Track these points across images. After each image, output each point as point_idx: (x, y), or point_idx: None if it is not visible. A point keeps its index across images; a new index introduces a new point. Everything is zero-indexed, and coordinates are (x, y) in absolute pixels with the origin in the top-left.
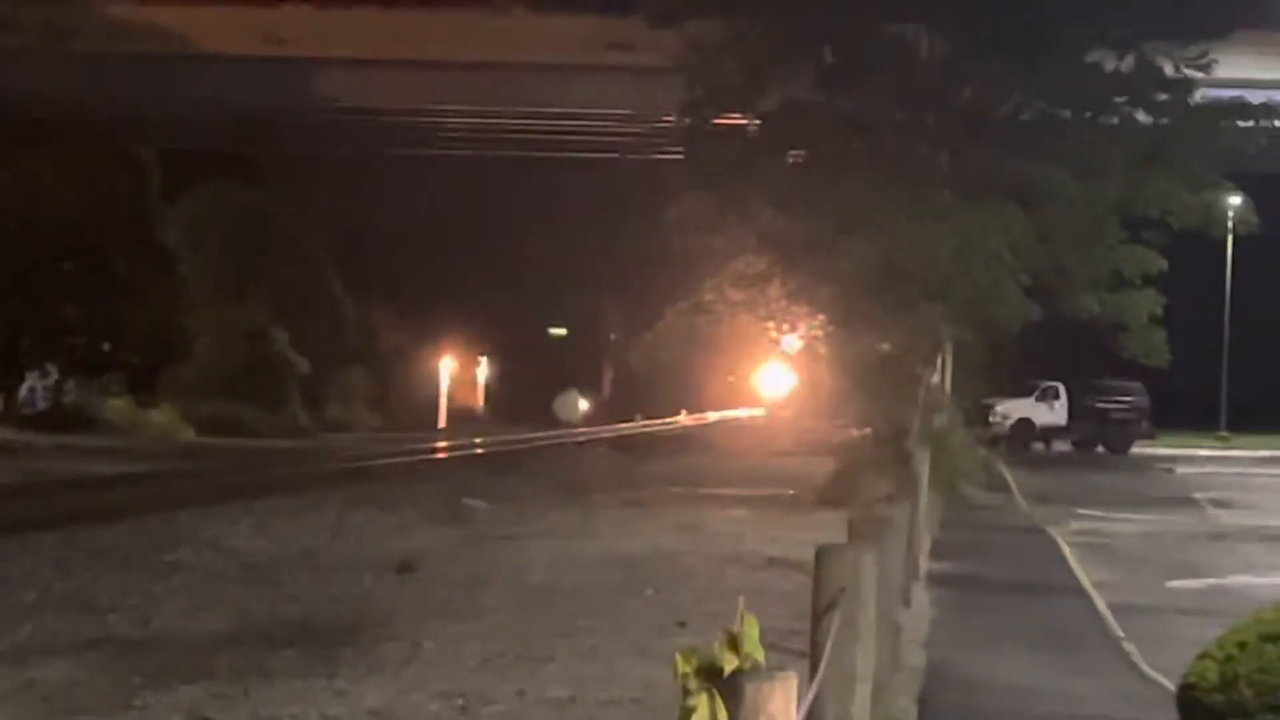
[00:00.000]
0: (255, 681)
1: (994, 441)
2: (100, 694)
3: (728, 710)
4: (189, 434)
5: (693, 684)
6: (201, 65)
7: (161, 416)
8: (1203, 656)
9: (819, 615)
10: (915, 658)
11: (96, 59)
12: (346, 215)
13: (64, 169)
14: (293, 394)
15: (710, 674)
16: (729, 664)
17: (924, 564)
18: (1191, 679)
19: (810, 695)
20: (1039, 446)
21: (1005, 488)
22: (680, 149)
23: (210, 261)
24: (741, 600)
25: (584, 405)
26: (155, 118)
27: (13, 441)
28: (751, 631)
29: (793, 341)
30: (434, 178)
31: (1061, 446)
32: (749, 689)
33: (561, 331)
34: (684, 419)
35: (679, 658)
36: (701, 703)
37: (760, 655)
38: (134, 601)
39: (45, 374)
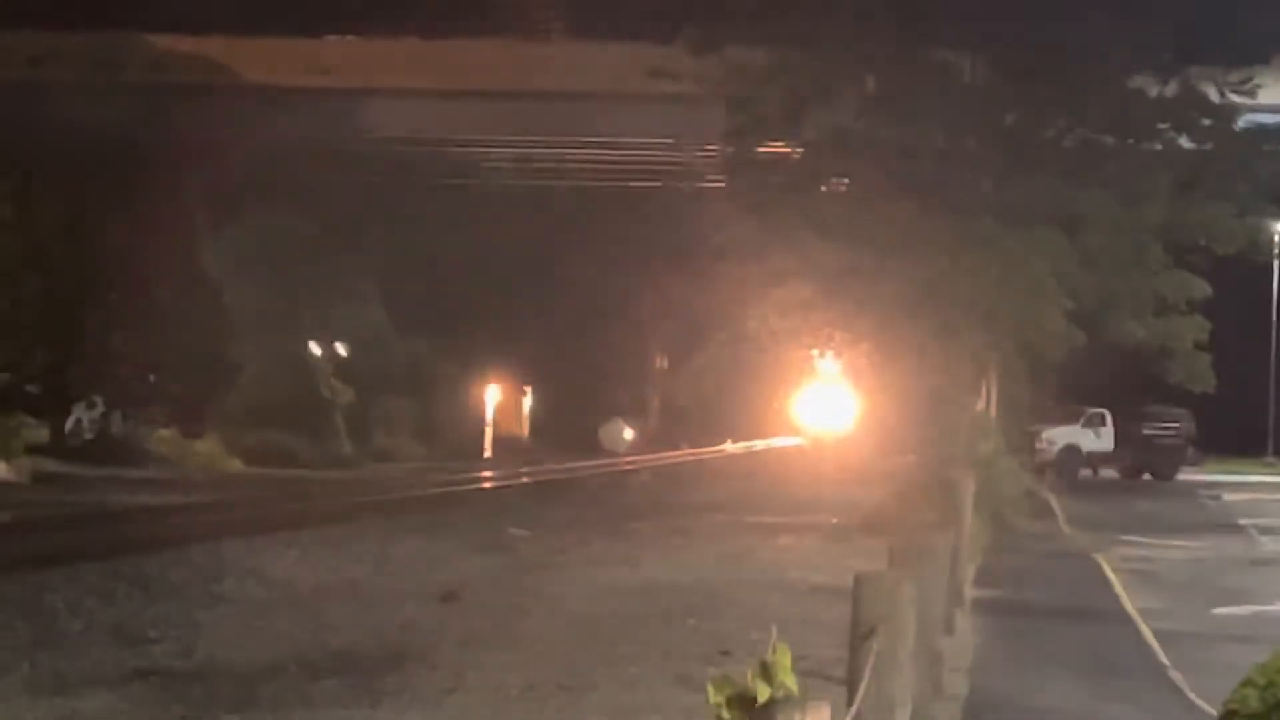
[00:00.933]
0: (298, 712)
1: (1040, 468)
2: None
3: None
4: (234, 464)
5: (726, 714)
6: (246, 96)
7: (207, 447)
8: (1245, 684)
9: (858, 643)
10: (958, 685)
11: (142, 90)
12: (390, 245)
13: (110, 199)
14: (338, 424)
15: (744, 703)
16: (762, 694)
17: (968, 591)
18: (1233, 705)
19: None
20: (1085, 473)
21: (1050, 514)
22: (723, 177)
23: (255, 292)
24: (775, 630)
25: (629, 434)
26: (200, 148)
27: (59, 473)
28: (784, 660)
29: (837, 370)
30: (477, 207)
31: (1108, 473)
32: (781, 718)
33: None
34: (729, 447)
35: (711, 687)
36: None
37: (793, 684)
38: (178, 632)
39: (91, 405)
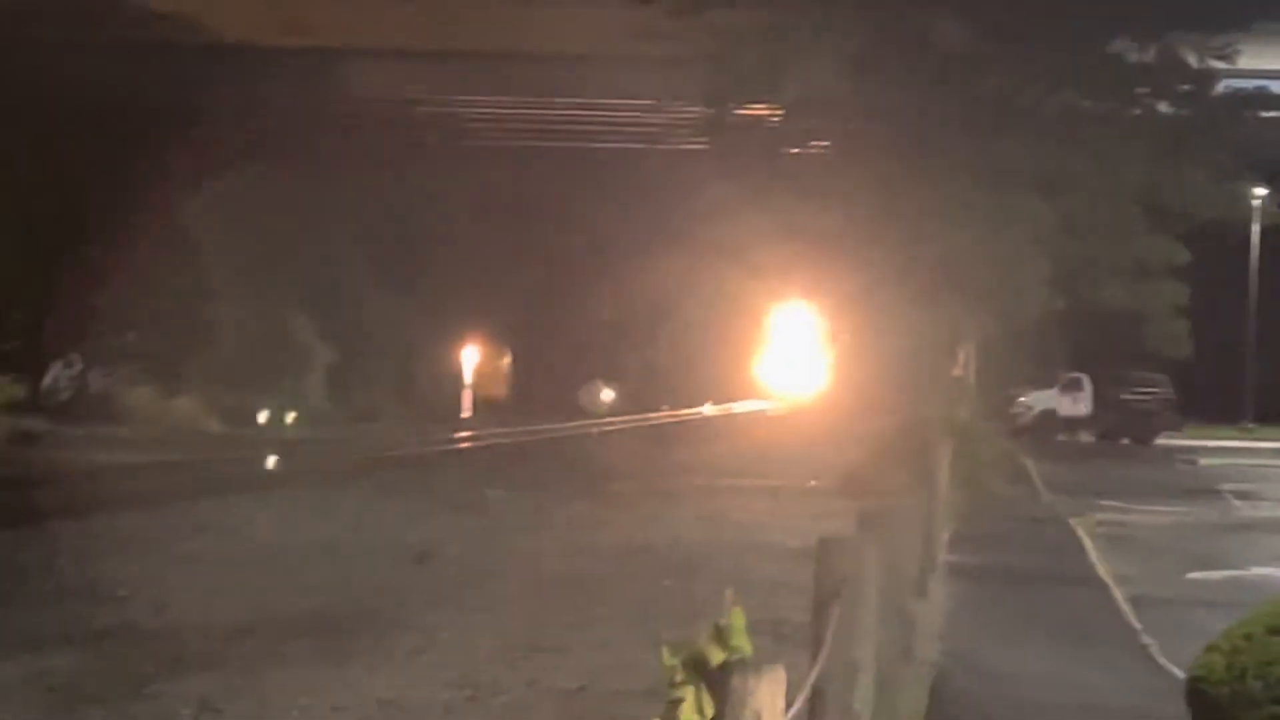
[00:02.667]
0: (267, 671)
1: (1017, 433)
2: (110, 684)
3: (715, 703)
4: (213, 423)
5: (680, 676)
6: (227, 55)
7: (184, 406)
8: (1210, 649)
9: (820, 606)
10: (929, 650)
11: (123, 48)
12: (371, 206)
13: (88, 157)
14: (317, 384)
15: (698, 666)
16: (715, 657)
17: (942, 556)
18: (1199, 672)
19: (808, 686)
20: (1062, 438)
21: (1027, 479)
22: (704, 139)
23: (234, 251)
24: (730, 592)
25: (609, 395)
26: (179, 107)
27: (36, 430)
28: (738, 623)
29: (813, 333)
30: (459, 168)
31: (1085, 438)
32: (735, 681)
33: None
34: (708, 409)
35: (665, 650)
36: (689, 696)
37: (748, 647)
38: (150, 591)
39: (69, 363)
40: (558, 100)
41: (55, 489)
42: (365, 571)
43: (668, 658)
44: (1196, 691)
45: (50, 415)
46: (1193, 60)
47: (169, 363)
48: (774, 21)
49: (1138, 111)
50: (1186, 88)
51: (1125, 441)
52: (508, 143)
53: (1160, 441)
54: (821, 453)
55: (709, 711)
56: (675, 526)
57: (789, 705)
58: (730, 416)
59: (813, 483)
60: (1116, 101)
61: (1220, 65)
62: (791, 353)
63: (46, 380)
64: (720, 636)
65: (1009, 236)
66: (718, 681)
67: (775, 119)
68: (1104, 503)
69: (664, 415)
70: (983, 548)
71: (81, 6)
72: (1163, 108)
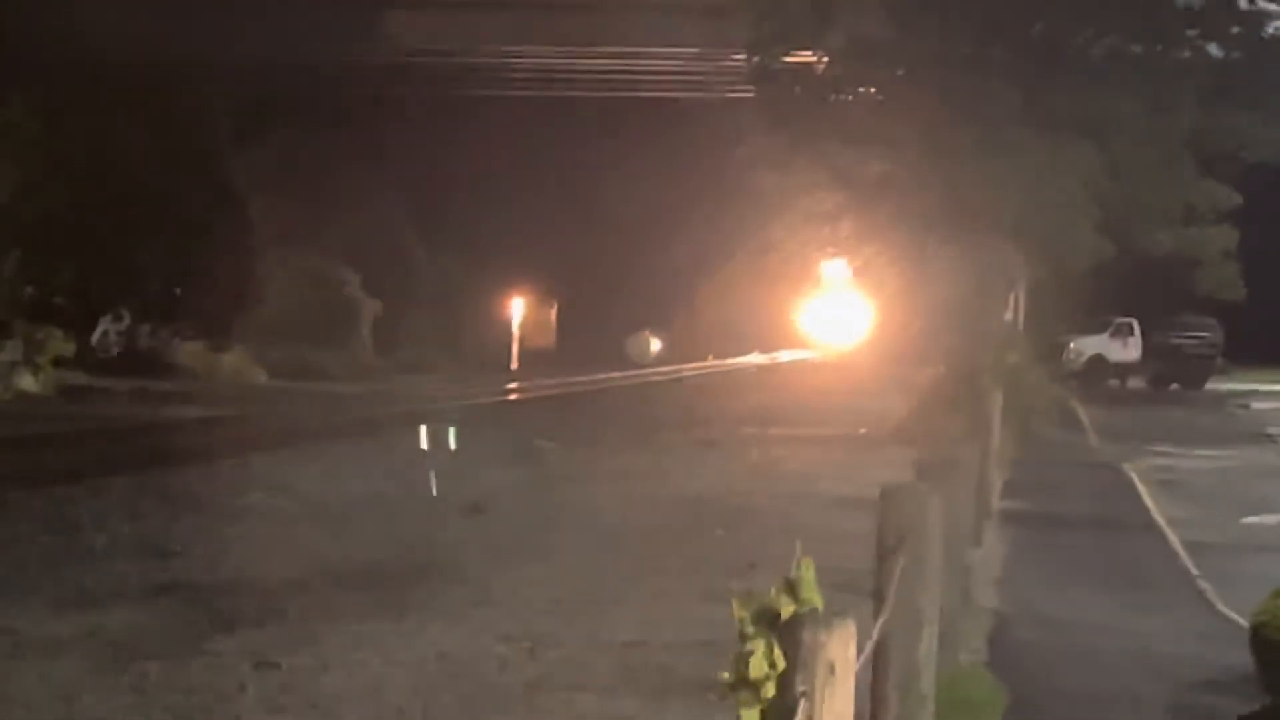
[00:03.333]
0: (323, 625)
1: (1068, 379)
2: (166, 640)
3: (786, 656)
4: (262, 377)
5: (750, 629)
6: (270, 9)
7: (233, 360)
8: (1276, 594)
9: (884, 557)
10: (987, 597)
11: (164, 2)
12: (416, 158)
13: (133, 113)
14: (365, 337)
15: (768, 619)
16: (786, 609)
17: (996, 502)
18: (1264, 617)
19: (874, 638)
20: (1113, 383)
21: (1079, 425)
22: (750, 87)
23: (281, 205)
24: (799, 544)
25: (657, 345)
26: (224, 61)
27: (86, 386)
28: (809, 575)
29: (864, 281)
30: (502, 120)
31: (1136, 383)
32: (806, 634)
33: None
34: (754, 358)
35: (735, 603)
36: (759, 649)
37: (818, 600)
38: (204, 546)
39: (118, 318)
40: (601, 50)
41: (105, 444)
42: (418, 524)
43: (738, 610)
44: (1261, 637)
45: (99, 370)
46: (1242, 1)
47: (217, 317)
48: None
49: (1187, 54)
50: (1236, 29)
51: (1175, 386)
52: (551, 93)
53: (1211, 386)
54: (870, 401)
55: (780, 664)
56: (726, 476)
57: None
58: (777, 366)
59: (863, 431)
60: (1165, 44)
61: (1271, 6)
62: (837, 302)
63: (95, 336)
64: (790, 588)
65: (1058, 182)
66: (788, 634)
67: (822, 66)
68: (1156, 448)
69: (711, 365)
70: (1036, 494)
71: None
72: (1212, 50)
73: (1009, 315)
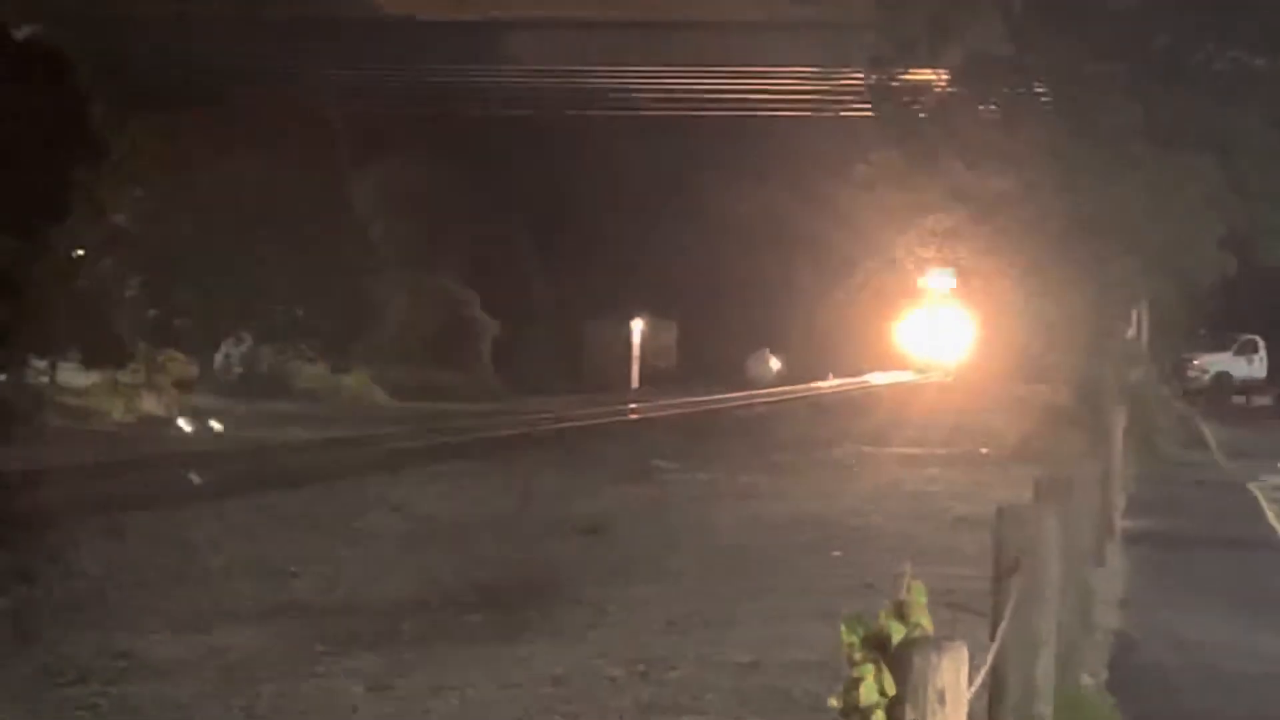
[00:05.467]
0: (438, 647)
1: (1191, 396)
2: (281, 661)
3: (896, 682)
4: (382, 398)
5: (858, 654)
6: (387, 30)
7: (355, 381)
8: None
9: (1000, 578)
10: (1109, 618)
11: (284, 24)
12: (536, 179)
13: (254, 135)
14: (485, 357)
15: (877, 644)
16: (895, 633)
17: (1119, 521)
18: None
19: (988, 663)
20: (1238, 400)
21: (1203, 443)
22: (868, 105)
23: (401, 226)
24: (909, 567)
25: (776, 364)
26: (342, 82)
27: (208, 408)
28: (919, 599)
29: (981, 298)
30: (621, 140)
31: (1261, 401)
32: (916, 660)
33: None
34: (876, 378)
35: (843, 627)
36: (868, 675)
37: (928, 623)
38: (320, 567)
39: (240, 340)
40: (719, 69)
41: (225, 466)
42: (535, 545)
43: (846, 635)
44: None
45: (221, 392)
46: None
47: (337, 339)
48: None
49: None
50: None
51: None
52: (669, 113)
53: None
54: (989, 419)
55: (890, 690)
56: (845, 496)
57: (970, 681)
58: (896, 385)
59: (983, 450)
60: None
61: None
62: (951, 320)
63: (218, 358)
64: (900, 612)
65: (1180, 196)
66: (899, 660)
67: (940, 84)
68: None
69: (830, 384)
70: (1160, 513)
71: None
72: None
73: (1131, 332)
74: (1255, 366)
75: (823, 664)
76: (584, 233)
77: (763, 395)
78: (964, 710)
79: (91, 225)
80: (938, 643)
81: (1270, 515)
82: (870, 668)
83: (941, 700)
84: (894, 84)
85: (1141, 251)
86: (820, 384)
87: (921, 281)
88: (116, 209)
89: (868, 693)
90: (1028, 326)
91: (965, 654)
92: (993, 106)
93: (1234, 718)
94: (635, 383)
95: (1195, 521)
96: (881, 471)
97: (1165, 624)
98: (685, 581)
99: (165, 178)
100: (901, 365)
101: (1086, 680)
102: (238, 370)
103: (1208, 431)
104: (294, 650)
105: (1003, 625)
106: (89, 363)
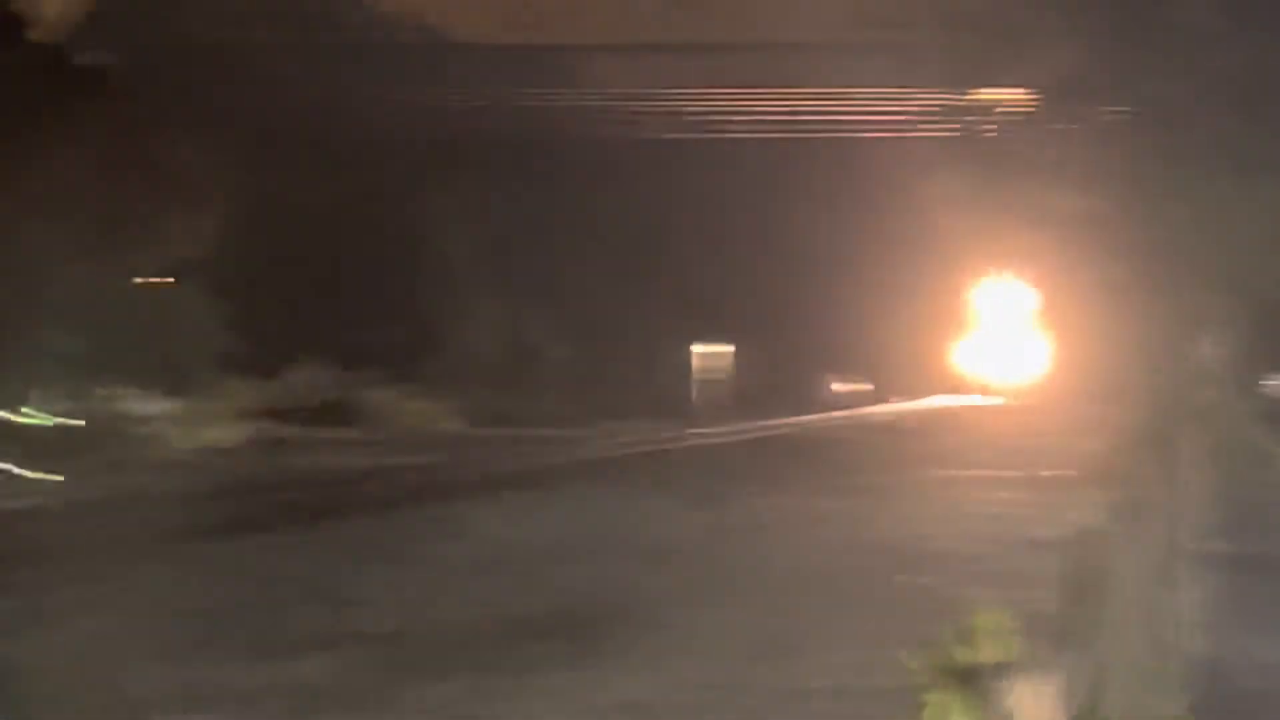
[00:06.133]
0: (512, 674)
1: (1266, 418)
2: (353, 691)
3: (968, 710)
4: (451, 424)
5: (930, 681)
6: (454, 55)
7: (424, 407)
8: None
9: (1075, 602)
10: (1189, 643)
11: (349, 50)
12: (599, 203)
13: (321, 162)
14: (552, 383)
15: (954, 671)
16: (968, 660)
17: (1192, 543)
18: None
19: (1065, 689)
20: None
21: (1278, 464)
22: (939, 125)
23: (469, 252)
24: (981, 592)
25: (840, 388)
26: (412, 104)
27: (277, 434)
28: (993, 625)
29: (1053, 319)
30: (688, 163)
31: None
32: (991, 688)
33: None
34: (941, 401)
35: (911, 656)
36: (944, 703)
37: (1005, 651)
38: (387, 595)
39: (307, 367)
40: (792, 91)
41: (296, 493)
42: (606, 570)
43: (916, 663)
44: None
45: (289, 419)
46: None
47: (406, 365)
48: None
49: None
50: None
51: None
52: (743, 135)
53: None
54: (1059, 441)
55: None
56: (915, 520)
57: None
58: (963, 408)
59: (1054, 472)
60: None
61: None
62: (1018, 344)
63: (286, 385)
64: (973, 639)
65: (1256, 221)
66: (976, 686)
67: (1018, 104)
68: None
69: (896, 408)
70: (1234, 535)
71: (308, 9)
72: None
73: (1206, 353)
74: None
75: (899, 689)
76: (650, 259)
77: (825, 418)
78: None
79: (158, 255)
80: (1014, 670)
81: None
82: (942, 696)
83: None
84: (973, 103)
85: (1217, 272)
86: (882, 407)
87: (1004, 304)
88: (183, 239)
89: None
90: (1102, 347)
91: (1043, 682)
92: (1073, 126)
93: None
94: (696, 406)
95: (1271, 544)
96: (950, 494)
97: (1244, 647)
98: (757, 606)
99: (233, 207)
100: (981, 387)
101: (1168, 708)
102: (304, 397)
103: None
104: (367, 679)
105: (1079, 652)
106: (156, 391)
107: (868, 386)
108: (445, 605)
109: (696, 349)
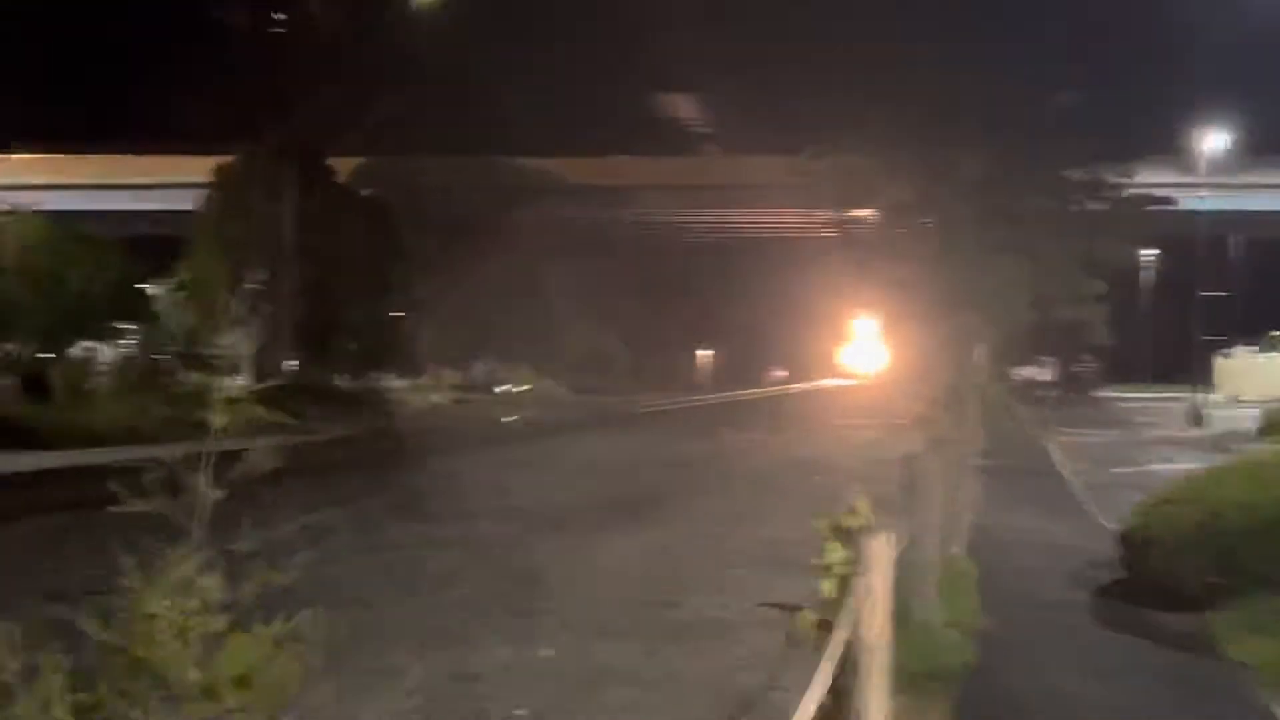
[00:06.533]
0: (596, 531)
1: (1013, 393)
2: (503, 542)
3: (851, 551)
4: (562, 394)
5: (828, 536)
6: (571, 193)
7: (546, 385)
8: (1134, 513)
9: (906, 493)
10: (968, 517)
11: (498, 188)
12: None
13: (495, 247)
14: (616, 369)
15: (840, 531)
16: (851, 524)
17: (971, 461)
18: (1127, 527)
19: (905, 540)
20: (1039, 394)
21: (1019, 419)
22: (831, 229)
23: (573, 298)
24: (858, 487)
25: (782, 374)
26: (538, 223)
27: (463, 399)
28: (863, 505)
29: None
30: (688, 250)
31: (1051, 394)
32: (863, 539)
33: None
34: (827, 382)
35: (818, 522)
36: (835, 548)
37: (870, 520)
38: (530, 489)
39: (482, 361)
40: (743, 210)
41: (473, 429)
42: (643, 475)
43: (820, 526)
44: (1124, 537)
45: (473, 390)
46: (1110, 177)
47: (535, 360)
48: (866, 163)
49: (1079, 207)
50: (1107, 193)
51: (1074, 395)
52: (712, 237)
53: (1095, 394)
54: (897, 404)
55: (846, 557)
56: (819, 446)
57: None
58: (841, 386)
59: (900, 421)
60: (1068, 202)
61: (1124, 180)
62: (871, 347)
63: (470, 372)
64: (853, 512)
65: (1005, 279)
66: (852, 539)
67: (872, 217)
68: (1063, 429)
69: (804, 385)
70: (993, 457)
71: (476, 167)
72: (1092, 205)
73: (978, 354)
74: (1048, 374)
75: (811, 540)
76: (664, 303)
77: (771, 392)
78: (890, 568)
79: (403, 299)
80: (875, 529)
81: (1055, 456)
82: (836, 544)
83: (877, 561)
84: (845, 216)
85: (982, 309)
86: (806, 384)
87: (856, 324)
88: (417, 290)
89: (834, 556)
90: (919, 350)
91: (892, 536)
92: (903, 229)
93: (1031, 568)
94: (697, 384)
95: (1013, 460)
96: (840, 433)
97: (996, 518)
98: (735, 495)
99: (445, 272)
100: (845, 373)
101: (955, 549)
102: (481, 380)
103: (1022, 412)
104: (506, 532)
105: (910, 520)
106: (399, 375)
107: (787, 373)
108: (560, 494)
109: (698, 351)
